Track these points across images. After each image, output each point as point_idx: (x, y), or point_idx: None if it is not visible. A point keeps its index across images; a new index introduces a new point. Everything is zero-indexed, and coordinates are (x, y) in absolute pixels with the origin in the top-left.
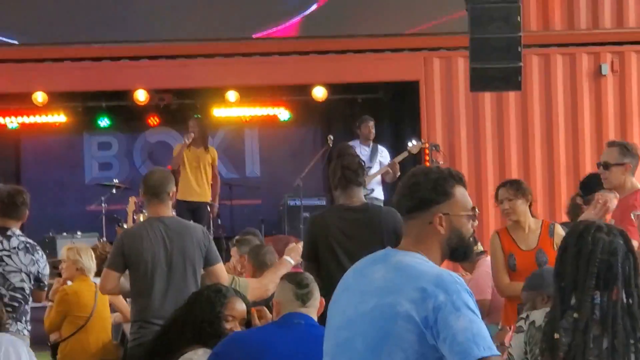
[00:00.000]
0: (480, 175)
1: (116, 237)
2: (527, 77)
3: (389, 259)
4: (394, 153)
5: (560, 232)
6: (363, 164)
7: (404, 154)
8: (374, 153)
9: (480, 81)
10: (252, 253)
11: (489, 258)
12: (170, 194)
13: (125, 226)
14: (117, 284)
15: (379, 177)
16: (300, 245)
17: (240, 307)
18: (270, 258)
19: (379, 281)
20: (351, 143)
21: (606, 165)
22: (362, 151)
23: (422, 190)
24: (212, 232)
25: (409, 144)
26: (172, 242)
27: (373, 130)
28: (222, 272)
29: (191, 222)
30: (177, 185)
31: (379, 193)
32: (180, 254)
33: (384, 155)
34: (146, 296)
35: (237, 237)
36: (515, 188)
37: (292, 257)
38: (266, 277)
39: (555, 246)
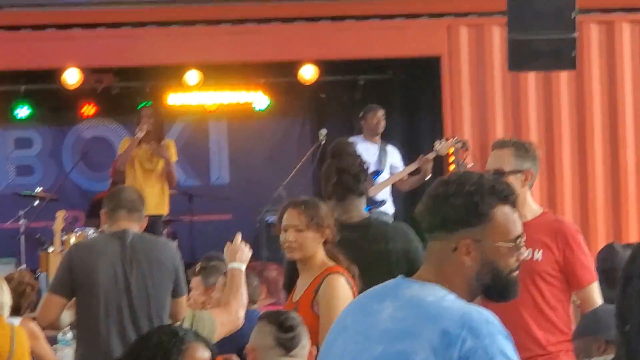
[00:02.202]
0: None
1: (65, 251)
2: (584, 51)
3: (400, 292)
4: (406, 153)
5: (335, 284)
6: (366, 166)
7: (431, 154)
8: (383, 153)
9: (521, 57)
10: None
11: None
12: (144, 220)
13: (51, 250)
14: (59, 315)
15: (389, 187)
16: (240, 239)
17: (203, 355)
18: (258, 291)
19: (388, 322)
20: (352, 139)
21: (499, 175)
22: (369, 150)
23: (449, 205)
24: None
25: (436, 143)
26: (136, 263)
27: (383, 122)
28: (183, 307)
29: (162, 237)
30: None
31: (388, 206)
32: (145, 279)
33: (395, 156)
34: (93, 335)
35: (200, 264)
36: (309, 213)
37: (238, 259)
38: (231, 302)
39: (315, 305)
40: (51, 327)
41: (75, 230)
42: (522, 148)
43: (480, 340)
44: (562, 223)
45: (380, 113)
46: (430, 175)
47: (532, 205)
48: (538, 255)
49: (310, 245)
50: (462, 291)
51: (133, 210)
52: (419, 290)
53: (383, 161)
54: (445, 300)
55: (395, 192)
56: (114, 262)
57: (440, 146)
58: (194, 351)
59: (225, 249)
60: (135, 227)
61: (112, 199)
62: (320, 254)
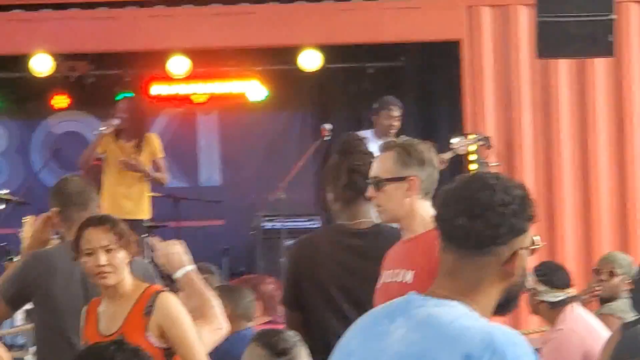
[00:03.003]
0: (553, 183)
1: (21, 259)
2: (622, 35)
3: (413, 310)
4: None
5: (173, 301)
6: None
7: (448, 154)
8: None
9: (552, 42)
10: (231, 300)
11: (580, 311)
12: (100, 207)
13: (17, 259)
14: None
15: None
16: (160, 242)
17: None
18: (253, 308)
19: (400, 344)
20: (364, 133)
21: (376, 183)
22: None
23: (516, 214)
24: None
25: (453, 141)
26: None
27: (398, 124)
28: None
29: None
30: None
31: None
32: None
33: None
34: (54, 355)
35: None
36: (117, 230)
37: (179, 264)
38: (204, 310)
39: (151, 331)
40: None
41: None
42: (404, 152)
43: None
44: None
45: (396, 113)
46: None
47: (425, 217)
48: (408, 277)
49: (123, 266)
50: (488, 308)
51: (84, 205)
52: (436, 308)
53: None
54: (465, 319)
55: None
56: (72, 278)
57: (458, 144)
58: None
59: (155, 259)
60: None
61: (59, 195)
62: (129, 276)
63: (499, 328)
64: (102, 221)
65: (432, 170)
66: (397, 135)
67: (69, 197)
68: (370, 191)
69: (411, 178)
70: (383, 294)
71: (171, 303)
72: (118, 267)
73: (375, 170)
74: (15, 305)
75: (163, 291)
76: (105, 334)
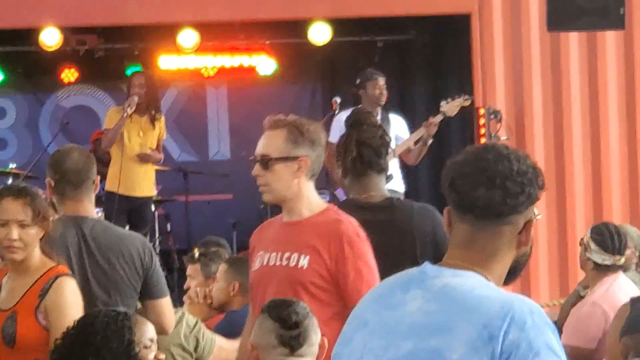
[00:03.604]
0: (564, 156)
1: None
2: (633, 8)
3: (428, 281)
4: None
5: (67, 288)
6: (388, 139)
7: (437, 118)
8: (386, 123)
9: (563, 15)
10: (242, 272)
11: (623, 282)
12: (95, 183)
13: None
14: None
15: (396, 161)
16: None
17: (152, 332)
18: None
19: (417, 315)
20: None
21: (264, 162)
22: None
23: (532, 183)
24: (157, 242)
25: (442, 103)
26: (93, 257)
27: (385, 92)
28: (168, 310)
29: (126, 229)
30: (106, 171)
31: (397, 183)
32: (104, 277)
33: (399, 126)
34: None
35: (198, 250)
36: (35, 205)
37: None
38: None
39: (41, 314)
40: None
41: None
42: (296, 131)
43: (525, 333)
44: (340, 223)
45: (382, 81)
46: (432, 141)
47: (311, 199)
48: (304, 261)
49: (34, 243)
50: (502, 277)
51: (78, 183)
52: (452, 278)
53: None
54: (484, 288)
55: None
56: (66, 256)
57: (447, 106)
58: (143, 324)
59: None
60: (88, 205)
61: (55, 168)
62: (38, 252)
63: (518, 297)
64: (21, 194)
65: (321, 151)
66: (404, 103)
67: (64, 173)
68: (256, 169)
69: (302, 158)
70: (266, 278)
71: (64, 290)
72: (29, 243)
73: (264, 147)
74: None
75: (64, 275)
76: (2, 308)
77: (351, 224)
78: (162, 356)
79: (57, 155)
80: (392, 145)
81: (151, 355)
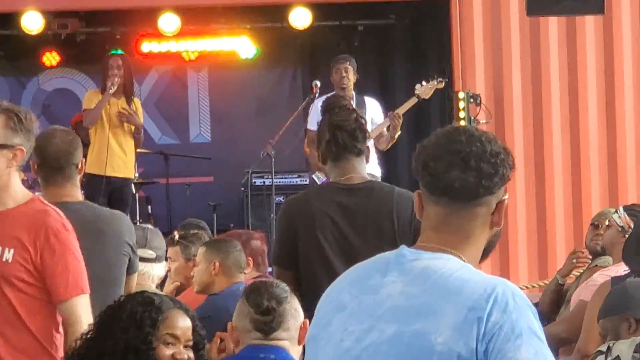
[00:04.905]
0: (543, 140)
1: None
2: None
3: (407, 264)
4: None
5: None
6: (363, 121)
7: (412, 101)
8: (359, 108)
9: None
10: (220, 251)
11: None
12: (79, 166)
13: None
14: None
15: (372, 145)
16: None
17: (183, 323)
18: (243, 258)
19: (398, 298)
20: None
21: None
22: None
23: (504, 163)
24: (136, 224)
25: (417, 86)
26: (83, 241)
27: (348, 75)
28: (134, 286)
29: (112, 210)
30: (86, 152)
31: (373, 167)
32: (95, 261)
33: (374, 110)
34: None
35: (178, 233)
36: None
37: None
38: None
39: None
40: None
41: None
42: (15, 118)
43: (507, 315)
44: (47, 215)
45: (343, 66)
46: (399, 133)
47: (17, 189)
48: (9, 255)
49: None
50: (477, 259)
51: (60, 168)
52: (431, 261)
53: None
54: (464, 271)
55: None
56: None
57: (420, 88)
58: (174, 319)
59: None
60: (72, 189)
61: (38, 151)
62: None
63: (500, 280)
64: None
65: (32, 143)
66: (386, 86)
67: (45, 157)
68: None
69: (18, 147)
70: None
71: None
72: None
73: None
74: None
75: None
76: None
77: (58, 216)
78: (185, 357)
79: (40, 138)
80: (369, 128)
81: (169, 352)
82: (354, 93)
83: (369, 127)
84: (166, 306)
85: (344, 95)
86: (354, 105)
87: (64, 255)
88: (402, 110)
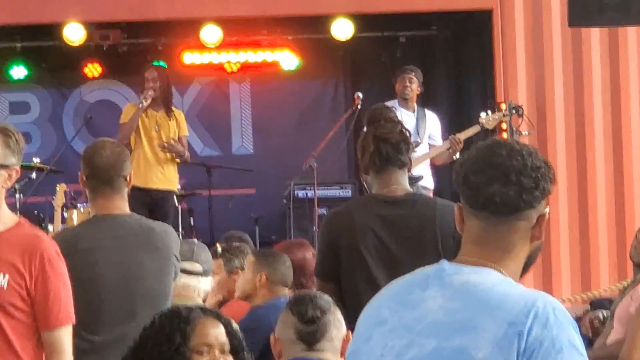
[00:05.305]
0: (585, 153)
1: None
2: None
3: (447, 278)
4: (452, 119)
5: None
6: (407, 134)
7: (475, 129)
8: (420, 121)
9: (584, 11)
10: (269, 265)
11: None
12: (128, 179)
13: (51, 228)
14: None
15: (428, 159)
16: None
17: (216, 330)
18: (291, 274)
19: (438, 313)
20: (389, 104)
21: None
22: (403, 117)
23: (545, 177)
24: (180, 237)
25: (482, 115)
26: (131, 254)
27: (411, 86)
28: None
29: (158, 222)
30: None
31: (428, 180)
32: (147, 274)
33: (433, 124)
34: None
35: (221, 245)
36: None
37: None
38: None
39: None
40: None
41: (79, 206)
42: (11, 138)
43: (548, 330)
44: (40, 240)
45: (408, 76)
46: (458, 156)
47: (5, 212)
48: (4, 281)
49: None
50: (517, 273)
51: (109, 181)
52: (471, 275)
53: (421, 131)
54: (504, 285)
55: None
56: (102, 256)
57: (485, 118)
58: (204, 328)
59: None
60: (121, 201)
61: (87, 164)
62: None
63: (540, 294)
64: None
65: (20, 164)
66: (427, 99)
67: (95, 170)
68: None
69: (13, 168)
70: None
71: None
72: None
73: None
74: None
75: None
76: None
77: (51, 241)
78: None
79: (89, 150)
80: (425, 144)
81: (204, 359)
82: (415, 105)
83: (426, 141)
84: (195, 315)
85: (405, 105)
86: (416, 118)
87: (56, 282)
88: (463, 135)
